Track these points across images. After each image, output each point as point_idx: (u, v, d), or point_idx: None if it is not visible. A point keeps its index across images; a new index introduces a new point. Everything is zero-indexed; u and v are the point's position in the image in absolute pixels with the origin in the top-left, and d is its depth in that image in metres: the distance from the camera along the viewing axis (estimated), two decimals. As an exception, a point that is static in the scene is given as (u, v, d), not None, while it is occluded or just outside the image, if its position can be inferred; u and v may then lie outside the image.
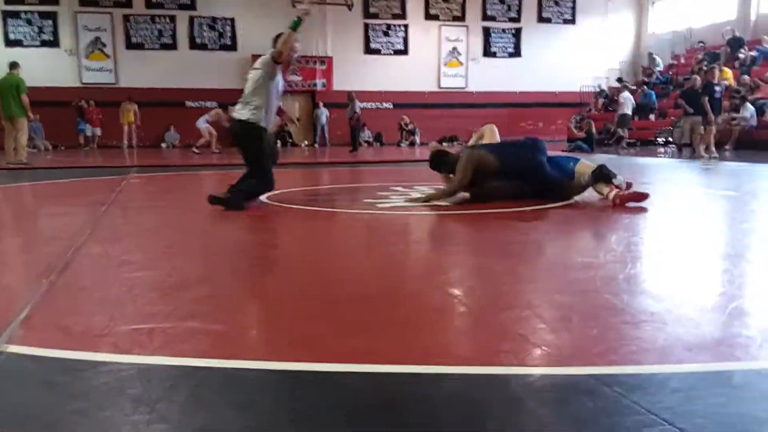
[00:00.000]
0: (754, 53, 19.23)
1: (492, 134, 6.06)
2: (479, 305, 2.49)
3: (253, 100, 5.37)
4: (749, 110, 16.19)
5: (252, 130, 5.29)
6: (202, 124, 16.08)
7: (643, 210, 5.01)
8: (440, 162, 5.78)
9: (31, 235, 4.47)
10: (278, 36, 5.59)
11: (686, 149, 14.29)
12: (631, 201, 5.08)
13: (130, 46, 20.90)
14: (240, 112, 5.40)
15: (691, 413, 1.47)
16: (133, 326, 2.13)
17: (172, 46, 21.28)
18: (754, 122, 16.22)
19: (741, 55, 19.60)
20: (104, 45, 20.59)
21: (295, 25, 5.38)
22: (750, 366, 1.76)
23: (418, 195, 5.83)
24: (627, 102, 18.50)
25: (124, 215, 5.23)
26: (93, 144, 19.35)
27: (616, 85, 23.62)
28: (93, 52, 20.51)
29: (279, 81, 5.51)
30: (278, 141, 5.40)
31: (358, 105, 17.79)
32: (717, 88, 13.51)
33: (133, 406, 1.55)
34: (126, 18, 20.81)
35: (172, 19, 21.18)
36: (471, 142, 6.15)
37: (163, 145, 20.51)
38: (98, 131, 19.49)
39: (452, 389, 1.66)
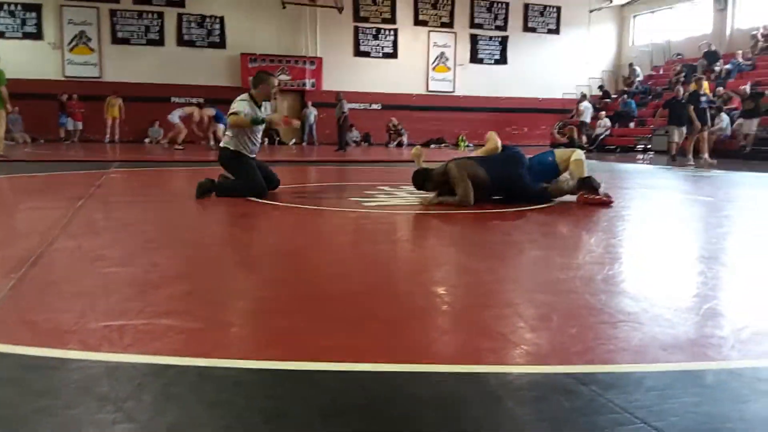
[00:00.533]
0: (729, 66, 19.68)
1: (492, 141, 5.90)
2: (461, 304, 2.50)
3: (233, 130, 5.80)
4: (725, 120, 16.55)
5: (231, 158, 5.79)
6: (175, 117, 16.06)
7: (623, 213, 5.06)
8: (424, 181, 5.60)
9: (2, 229, 4.36)
10: (259, 75, 6.05)
11: (678, 157, 14.21)
12: (594, 205, 5.34)
13: (115, 40, 20.75)
14: (223, 140, 5.92)
15: (665, 412, 1.48)
16: (104, 323, 2.09)
17: (159, 42, 21.16)
18: (729, 132, 16.58)
19: (717, 68, 20.02)
20: (89, 39, 20.41)
21: (255, 123, 5.73)
22: (722, 366, 1.78)
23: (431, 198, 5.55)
24: (586, 111, 19.64)
25: (103, 210, 5.16)
26: (75, 138, 19.12)
27: (598, 93, 23.99)
28: (77, 45, 20.33)
29: (261, 110, 5.93)
30: (266, 139, 5.42)
31: (346, 105, 17.83)
32: (703, 98, 13.75)
33: (99, 405, 1.51)
34: (113, 13, 20.67)
35: (160, 15, 21.07)
36: (479, 153, 5.95)
37: (147, 140, 20.36)
38: (80, 125, 19.27)
39: (431, 388, 1.66)
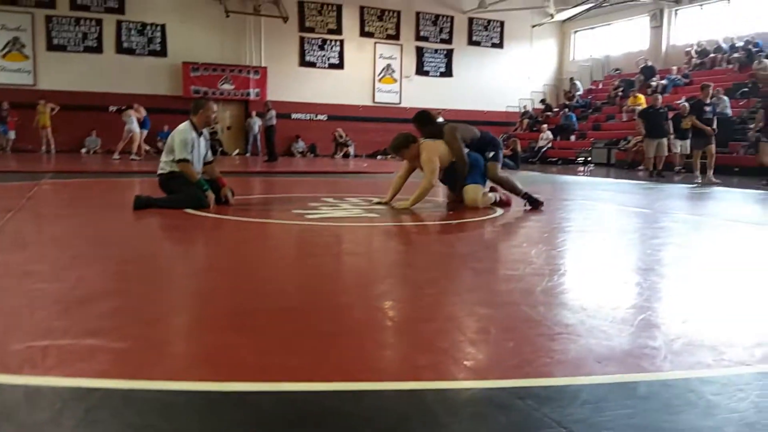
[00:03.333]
0: (664, 81, 20.42)
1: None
2: (401, 318, 2.47)
3: (170, 156, 5.77)
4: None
5: (170, 179, 5.75)
6: (134, 123, 15.55)
7: (564, 225, 5.15)
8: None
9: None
10: (198, 102, 6.03)
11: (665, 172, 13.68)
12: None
13: (51, 47, 20.15)
14: (160, 167, 5.85)
15: (599, 425, 1.49)
16: (27, 343, 1.97)
17: (97, 50, 20.65)
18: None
19: (653, 83, 20.74)
20: (23, 45, 19.78)
21: (198, 186, 5.68)
22: (655, 377, 1.79)
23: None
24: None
25: (32, 223, 4.95)
26: (7, 148, 18.38)
27: (540, 106, 24.58)
28: (11, 52, 19.66)
29: (201, 144, 5.91)
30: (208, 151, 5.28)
31: (274, 114, 17.76)
32: (707, 108, 12.24)
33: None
34: (48, 19, 20.08)
35: (99, 22, 20.58)
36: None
37: (83, 150, 19.78)
38: (13, 135, 18.50)
39: (370, 406, 1.62)
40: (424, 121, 6.43)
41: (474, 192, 6.02)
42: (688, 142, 13.92)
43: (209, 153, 6.06)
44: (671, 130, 13.92)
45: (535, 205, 6.10)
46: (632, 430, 1.47)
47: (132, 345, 2.02)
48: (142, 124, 15.96)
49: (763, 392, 1.70)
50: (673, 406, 1.61)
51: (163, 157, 5.87)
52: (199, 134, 5.86)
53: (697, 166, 12.14)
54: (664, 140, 13.57)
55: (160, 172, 5.86)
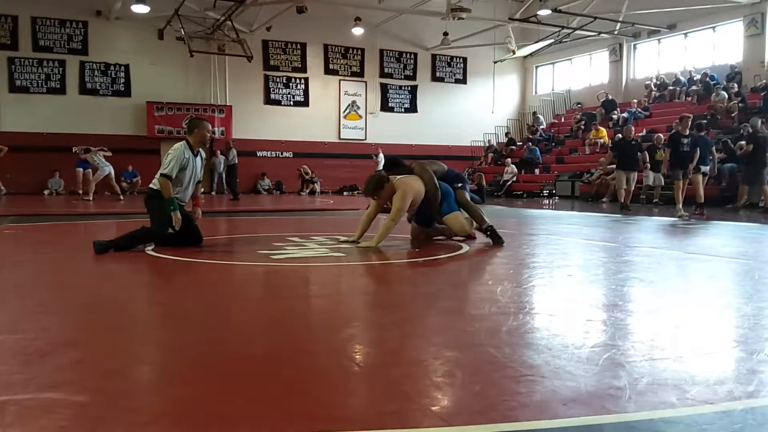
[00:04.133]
0: (625, 114, 20.98)
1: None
2: (367, 363, 2.46)
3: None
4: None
5: (154, 197, 5.71)
6: (109, 168, 15.37)
7: (529, 260, 5.20)
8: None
9: None
10: (193, 121, 6.04)
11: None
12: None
13: (13, 89, 19.94)
14: (153, 182, 5.79)
15: (564, 471, 1.49)
16: (-16, 399, 1.92)
17: (61, 91, 20.50)
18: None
19: (614, 116, 21.28)
20: (-15, 88, 19.55)
21: (171, 204, 5.65)
22: (620, 419, 1.80)
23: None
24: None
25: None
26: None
27: (504, 140, 24.98)
28: (-28, 94, 19.41)
29: (197, 163, 5.91)
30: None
31: (235, 153, 17.91)
32: (685, 140, 11.57)
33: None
34: (11, 60, 19.91)
35: (62, 63, 20.48)
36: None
37: (46, 192, 19.46)
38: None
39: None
40: (390, 165, 6.55)
41: (457, 219, 6.22)
42: (660, 174, 14.08)
43: (201, 172, 6.04)
44: (647, 160, 14.08)
45: (497, 241, 6.14)
46: (597, 475, 1.48)
47: (92, 398, 1.98)
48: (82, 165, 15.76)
49: (726, 431, 1.72)
50: (637, 448, 1.62)
51: (157, 175, 5.79)
52: (195, 154, 5.83)
53: (679, 198, 11.44)
54: (634, 173, 13.43)
55: (151, 185, 5.83)
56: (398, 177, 6.19)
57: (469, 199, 6.52)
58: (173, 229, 5.62)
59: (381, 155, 20.60)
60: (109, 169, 15.38)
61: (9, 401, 1.91)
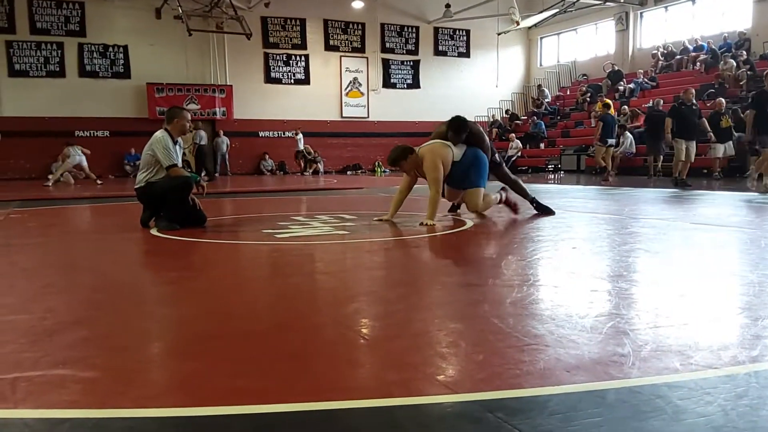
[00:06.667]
0: (632, 85, 20.74)
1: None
2: (372, 336, 2.48)
3: (145, 169, 5.88)
4: (628, 138, 17.33)
5: (146, 192, 5.83)
6: (84, 161, 15.50)
7: (533, 234, 5.20)
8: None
9: None
10: (172, 110, 6.09)
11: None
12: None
13: (13, 73, 19.87)
14: (144, 178, 5.87)
15: (568, 435, 1.51)
16: (-5, 377, 1.95)
17: (60, 74, 20.41)
18: (633, 149, 17.37)
19: (621, 87, 21.05)
20: (-16, 72, 19.50)
21: (194, 179, 5.97)
22: (623, 384, 1.82)
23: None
24: None
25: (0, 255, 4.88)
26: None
27: (507, 116, 24.82)
28: (-29, 79, 19.37)
29: (177, 152, 5.94)
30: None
31: (202, 135, 18.00)
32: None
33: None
34: (9, 44, 19.81)
35: (60, 45, 20.35)
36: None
37: (50, 176, 19.48)
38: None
39: (340, 426, 1.62)
40: (463, 127, 6.21)
41: (477, 195, 6.12)
42: (731, 143, 13.01)
43: (180, 160, 6.10)
44: (708, 129, 12.57)
45: (545, 211, 6.44)
46: (600, 439, 1.49)
47: (101, 374, 2.01)
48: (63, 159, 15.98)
49: (729, 395, 1.73)
50: (641, 412, 1.63)
51: (140, 174, 5.92)
52: (175, 143, 5.88)
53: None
54: (694, 143, 11.97)
55: (137, 186, 5.93)
56: (424, 145, 6.13)
57: (510, 175, 6.68)
58: (197, 184, 5.88)
59: (300, 135, 21.60)
60: (79, 158, 15.61)
61: (20, 378, 1.94)
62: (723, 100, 13.59)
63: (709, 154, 13.81)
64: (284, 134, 23.24)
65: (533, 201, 6.47)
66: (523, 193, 6.50)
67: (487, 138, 6.46)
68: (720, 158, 13.64)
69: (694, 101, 12.37)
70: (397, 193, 6.22)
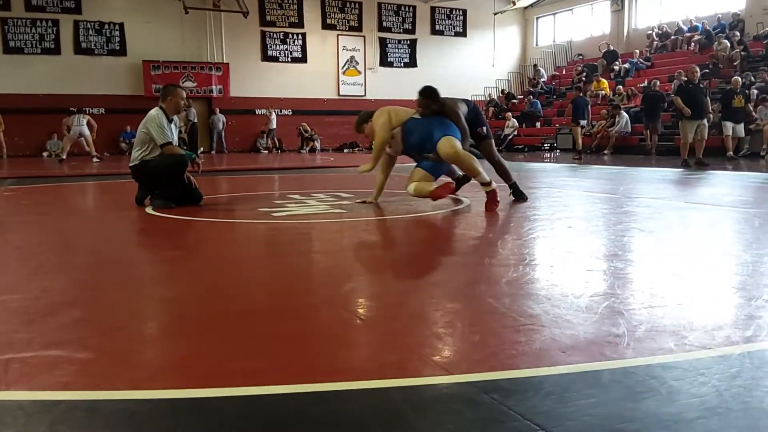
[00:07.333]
0: (627, 65, 20.69)
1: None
2: (367, 316, 2.47)
3: (139, 147, 5.84)
4: (624, 118, 17.32)
5: (140, 170, 5.81)
6: (85, 130, 15.45)
7: (529, 213, 5.20)
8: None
9: None
10: (166, 88, 6.02)
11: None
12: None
13: (8, 50, 19.69)
14: (138, 156, 5.84)
15: (562, 416, 1.50)
16: (-12, 357, 1.94)
17: (56, 51, 20.23)
18: (628, 129, 17.36)
19: (616, 67, 20.99)
20: (-22, 49, 19.31)
21: (189, 156, 5.94)
22: (618, 365, 1.82)
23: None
24: None
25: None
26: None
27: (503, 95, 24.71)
28: (-34, 56, 19.18)
29: (173, 129, 5.92)
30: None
31: (193, 113, 18.02)
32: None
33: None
34: (3, 21, 19.61)
35: (55, 22, 20.14)
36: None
37: (45, 154, 19.40)
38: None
39: (335, 407, 1.62)
40: (435, 96, 5.72)
41: (448, 144, 5.31)
42: (742, 125, 12.58)
43: (176, 138, 6.08)
44: (710, 109, 11.93)
45: (519, 197, 5.94)
46: (595, 420, 1.49)
47: (95, 355, 2.00)
48: (69, 130, 15.84)
49: (723, 376, 1.74)
50: (635, 393, 1.63)
51: (135, 152, 5.89)
52: (170, 121, 5.84)
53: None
54: (705, 121, 11.57)
55: (132, 164, 5.92)
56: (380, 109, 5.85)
57: (495, 153, 6.00)
58: (192, 161, 5.86)
59: (273, 114, 21.58)
60: (80, 129, 15.51)
61: (13, 359, 1.93)
62: (739, 78, 13.19)
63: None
64: (281, 112, 23.13)
65: (513, 186, 5.98)
66: (506, 176, 6.01)
67: (462, 115, 5.66)
68: (731, 137, 13.15)
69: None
70: (378, 174, 5.89)
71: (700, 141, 11.43)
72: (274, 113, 22.04)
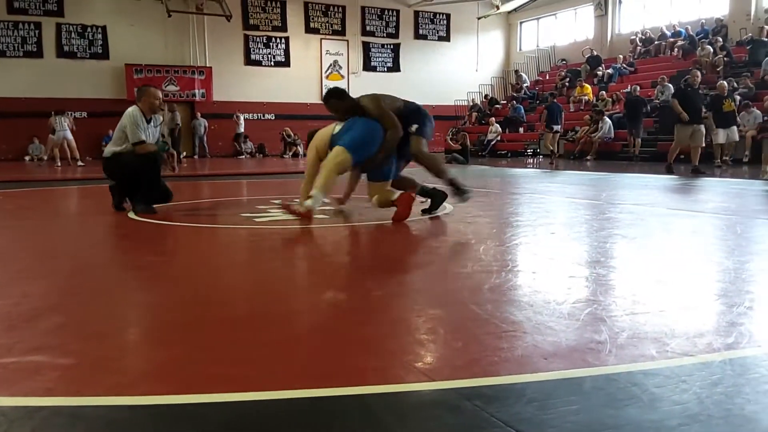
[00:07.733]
0: (610, 71, 20.84)
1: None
2: (349, 322, 2.47)
3: (117, 145, 5.81)
4: (607, 123, 17.45)
5: (111, 164, 5.82)
6: (69, 134, 15.34)
7: (512, 219, 5.22)
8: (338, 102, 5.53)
9: None
10: (141, 88, 6.00)
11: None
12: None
13: (-11, 53, 19.48)
14: (111, 149, 5.84)
15: (544, 423, 1.51)
16: (-32, 364, 1.92)
17: (38, 54, 20.03)
18: (611, 134, 17.49)
19: (599, 73, 21.14)
20: (-41, 53, 19.08)
21: (161, 149, 6.04)
22: (600, 372, 1.83)
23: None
24: None
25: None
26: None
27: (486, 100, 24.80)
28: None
29: (151, 130, 5.88)
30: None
31: (178, 117, 17.88)
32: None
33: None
34: (-16, 24, 19.40)
35: (38, 25, 19.96)
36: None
37: (27, 158, 19.19)
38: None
39: (317, 413, 1.62)
40: (340, 96, 5.60)
41: (381, 189, 5.33)
42: (734, 128, 12.32)
43: (156, 138, 6.03)
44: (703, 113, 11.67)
45: (461, 194, 5.49)
46: (577, 427, 1.50)
47: (77, 361, 1.99)
48: (53, 132, 15.80)
49: (704, 383, 1.75)
50: (617, 400, 1.64)
51: (109, 147, 5.89)
52: (148, 121, 5.82)
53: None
54: (702, 127, 11.16)
55: (104, 155, 5.94)
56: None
57: (424, 148, 5.43)
58: (163, 157, 5.91)
59: (242, 117, 21.65)
60: (64, 133, 15.53)
61: (-6, 365, 1.91)
62: (725, 83, 13.06)
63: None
64: (263, 116, 23.05)
65: (451, 182, 5.50)
66: (439, 173, 5.54)
67: (397, 101, 5.40)
68: (723, 144, 12.90)
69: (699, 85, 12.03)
70: (348, 180, 5.84)
71: (695, 148, 11.08)
72: (242, 117, 21.96)
